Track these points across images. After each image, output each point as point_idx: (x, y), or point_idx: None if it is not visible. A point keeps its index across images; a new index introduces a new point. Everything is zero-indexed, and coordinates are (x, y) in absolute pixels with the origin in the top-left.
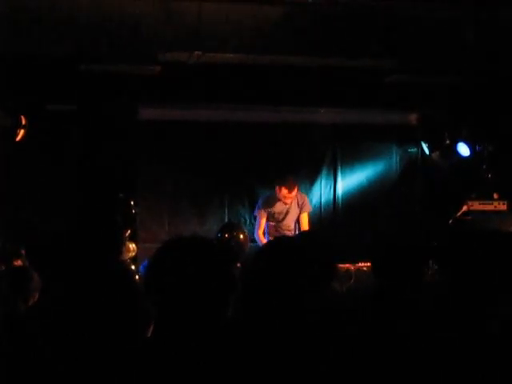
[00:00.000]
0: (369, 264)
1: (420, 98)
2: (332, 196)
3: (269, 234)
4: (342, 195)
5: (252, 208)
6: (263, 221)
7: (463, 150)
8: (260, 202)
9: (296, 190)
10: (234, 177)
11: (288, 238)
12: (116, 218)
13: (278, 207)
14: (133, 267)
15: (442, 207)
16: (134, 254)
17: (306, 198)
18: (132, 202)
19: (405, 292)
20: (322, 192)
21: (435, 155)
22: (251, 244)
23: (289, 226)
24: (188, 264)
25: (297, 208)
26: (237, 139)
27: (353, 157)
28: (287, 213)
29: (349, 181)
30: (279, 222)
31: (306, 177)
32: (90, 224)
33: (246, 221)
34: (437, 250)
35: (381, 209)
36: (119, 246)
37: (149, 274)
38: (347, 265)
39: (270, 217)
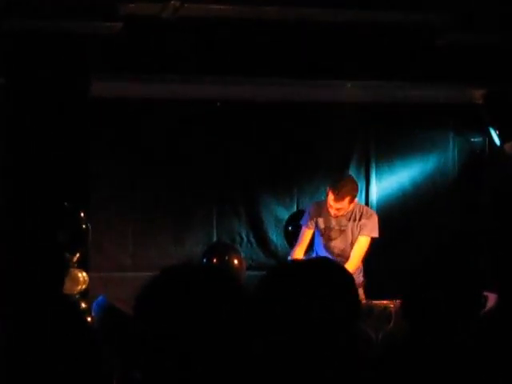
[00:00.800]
0: None
1: (486, 66)
2: (363, 204)
3: (321, 252)
4: (378, 202)
5: (251, 221)
6: (307, 233)
7: None
8: (310, 206)
9: (348, 201)
10: (227, 178)
11: (300, 261)
12: (59, 237)
13: (326, 220)
14: (83, 305)
15: None
16: (84, 286)
17: (374, 218)
18: (82, 215)
19: (447, 339)
20: None
21: (509, 146)
22: (249, 272)
23: (342, 251)
24: (202, 304)
25: (356, 228)
26: (230, 125)
27: (392, 149)
28: (341, 232)
29: (386, 183)
30: (330, 240)
31: (327, 177)
32: (22, 245)
33: (242, 240)
34: (506, 279)
35: (431, 222)
36: (62, 276)
37: (139, 317)
38: (384, 302)
39: (319, 232)
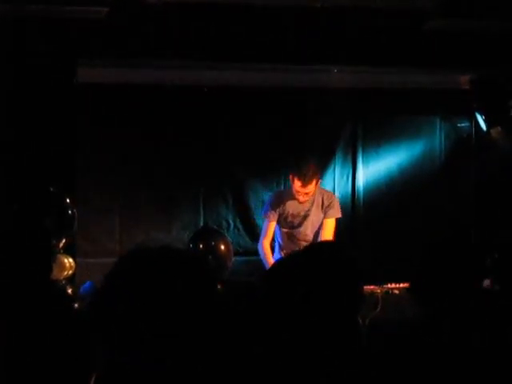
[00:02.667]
0: (401, 285)
1: (473, 52)
2: (350, 190)
3: (282, 246)
4: (365, 189)
5: (238, 207)
6: (271, 225)
7: None
8: (270, 197)
9: (315, 184)
10: (213, 163)
11: (301, 253)
12: (45, 222)
13: (293, 207)
14: (69, 291)
15: (505, 206)
16: (71, 272)
17: (336, 200)
18: (68, 200)
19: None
20: (335, 184)
21: (495, 132)
22: (236, 258)
23: (306, 236)
24: (165, 287)
25: (320, 211)
26: (217, 111)
27: (379, 135)
28: (306, 217)
29: (373, 168)
30: (294, 228)
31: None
32: (7, 231)
33: (229, 225)
34: (497, 266)
35: (418, 208)
36: (49, 262)
37: (101, 303)
38: (372, 287)
39: (283, 221)
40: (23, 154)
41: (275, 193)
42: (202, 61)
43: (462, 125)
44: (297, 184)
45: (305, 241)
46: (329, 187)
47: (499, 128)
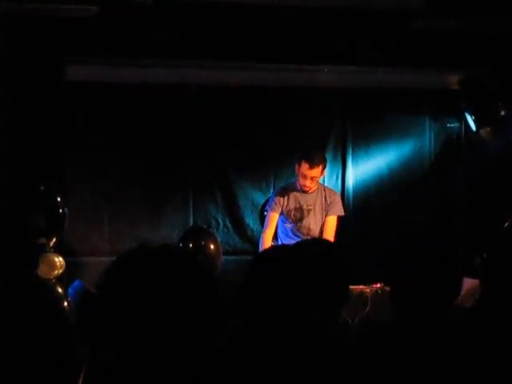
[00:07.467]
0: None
1: (462, 52)
2: (340, 189)
3: (287, 238)
4: (354, 188)
5: (228, 206)
6: (274, 216)
7: None
8: (275, 191)
9: (321, 170)
10: (203, 162)
11: (286, 247)
12: (35, 222)
13: (296, 200)
14: (59, 290)
15: (494, 205)
16: (60, 271)
17: (338, 198)
18: (58, 199)
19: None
20: (325, 184)
21: (484, 132)
22: (226, 257)
23: (310, 230)
24: (165, 286)
25: (323, 208)
26: (206, 109)
27: (369, 134)
28: (308, 211)
29: (363, 168)
30: (297, 221)
31: None
32: None
33: (218, 224)
34: (486, 265)
35: (408, 207)
36: (38, 260)
37: (101, 301)
38: (361, 286)
39: (286, 214)
40: (12, 152)
41: (280, 187)
42: (190, 59)
43: (452, 125)
44: (304, 167)
45: (309, 235)
46: None
47: (488, 128)
